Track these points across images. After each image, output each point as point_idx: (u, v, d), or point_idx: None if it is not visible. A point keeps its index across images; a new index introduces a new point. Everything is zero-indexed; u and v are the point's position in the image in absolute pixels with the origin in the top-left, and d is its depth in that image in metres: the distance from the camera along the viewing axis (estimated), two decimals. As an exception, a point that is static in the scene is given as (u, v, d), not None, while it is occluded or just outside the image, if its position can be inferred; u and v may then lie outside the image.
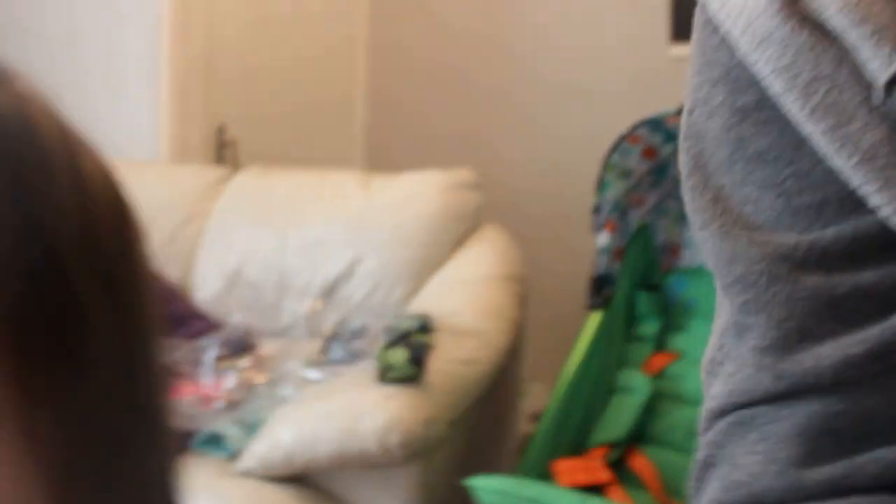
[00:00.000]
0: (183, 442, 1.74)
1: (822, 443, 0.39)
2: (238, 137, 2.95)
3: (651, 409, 1.90)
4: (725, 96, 0.47)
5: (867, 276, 0.40)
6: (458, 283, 2.10)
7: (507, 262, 2.17)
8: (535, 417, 2.05)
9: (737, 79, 0.46)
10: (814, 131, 0.40)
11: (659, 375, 1.99)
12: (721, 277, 0.47)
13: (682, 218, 2.22)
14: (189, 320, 2.25)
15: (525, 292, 2.18)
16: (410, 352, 1.73)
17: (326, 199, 2.31)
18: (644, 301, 2.12)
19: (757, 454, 0.42)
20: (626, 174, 2.07)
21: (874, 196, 0.38)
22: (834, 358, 0.39)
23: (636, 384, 1.93)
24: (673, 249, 2.23)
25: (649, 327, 2.09)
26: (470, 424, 1.87)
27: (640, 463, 1.79)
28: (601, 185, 2.05)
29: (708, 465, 0.45)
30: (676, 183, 2.03)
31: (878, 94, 0.38)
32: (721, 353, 0.47)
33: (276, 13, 3.13)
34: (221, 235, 2.39)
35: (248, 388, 1.88)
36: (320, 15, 3.34)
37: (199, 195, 2.46)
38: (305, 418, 1.68)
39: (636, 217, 2.16)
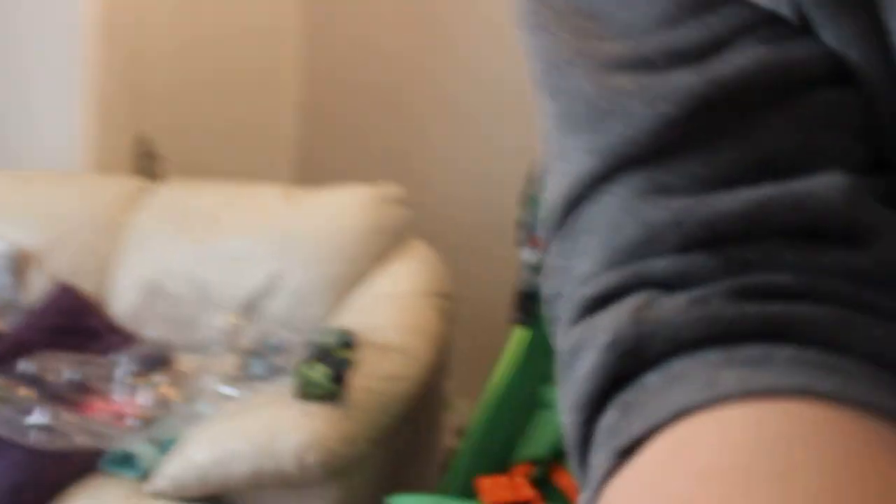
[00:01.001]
0: (93, 461, 1.67)
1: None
2: (163, 149, 2.88)
3: (576, 425, 1.88)
4: None
5: (683, 33, 0.34)
6: (382, 299, 2.07)
7: (432, 277, 2.14)
8: (461, 432, 2.02)
9: None
10: None
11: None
12: (533, 78, 0.39)
13: (608, 234, 2.22)
14: (103, 334, 2.17)
15: (451, 308, 2.15)
16: (331, 368, 1.69)
17: (249, 212, 2.26)
18: (570, 317, 2.11)
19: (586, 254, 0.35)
20: (552, 189, 2.06)
21: None
22: (648, 119, 0.33)
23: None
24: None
25: (574, 343, 2.08)
26: (392, 441, 1.84)
27: (565, 480, 1.77)
28: (529, 201, 2.04)
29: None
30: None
31: None
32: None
33: (206, 22, 3.07)
34: (140, 247, 2.32)
35: (162, 404, 1.82)
36: (252, 26, 3.29)
37: (118, 206, 2.39)
38: (221, 436, 1.63)
39: (563, 233, 2.15)
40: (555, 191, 0.37)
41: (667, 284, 0.31)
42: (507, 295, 2.18)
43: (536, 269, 2.04)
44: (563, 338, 0.35)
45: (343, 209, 2.20)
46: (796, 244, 0.30)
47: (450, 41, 3.20)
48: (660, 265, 0.32)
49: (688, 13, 0.34)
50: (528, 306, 2.00)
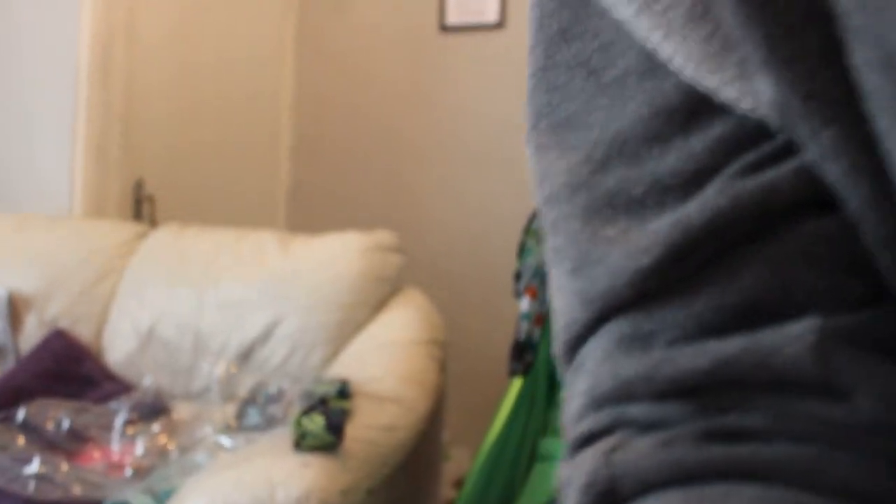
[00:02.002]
0: (88, 512, 1.67)
1: (627, 352, 0.34)
2: (157, 193, 2.90)
3: (572, 477, 1.89)
4: None
5: (669, 162, 0.33)
6: (378, 348, 2.07)
7: (428, 326, 2.15)
8: (459, 483, 2.02)
9: None
10: None
11: (579, 443, 1.98)
12: (537, 204, 0.40)
13: (602, 284, 2.24)
14: (100, 381, 2.17)
15: (446, 357, 2.16)
16: (328, 418, 1.70)
17: (245, 259, 2.27)
18: (565, 367, 2.12)
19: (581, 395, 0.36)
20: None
21: (660, 49, 0.32)
22: (626, 271, 0.33)
23: (559, 452, 1.92)
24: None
25: (570, 394, 2.09)
26: (389, 492, 1.83)
27: (561, 532, 1.78)
28: (522, 251, 2.05)
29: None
30: (597, 250, 2.06)
31: None
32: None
33: (200, 69, 3.10)
34: (136, 293, 2.32)
35: (158, 454, 1.82)
36: (245, 72, 3.32)
37: (113, 252, 2.40)
38: (218, 487, 1.62)
39: (557, 282, 2.16)
40: (557, 330, 0.39)
41: (644, 426, 0.32)
42: (503, 344, 2.19)
43: (532, 319, 2.06)
44: (560, 472, 0.36)
45: (338, 256, 2.21)
46: (769, 393, 0.30)
47: (447, 87, 3.24)
48: (638, 410, 0.33)
49: (674, 129, 0.34)
50: (525, 357, 2.01)
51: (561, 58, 0.39)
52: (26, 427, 1.79)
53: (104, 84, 2.69)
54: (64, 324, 2.28)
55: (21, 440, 1.74)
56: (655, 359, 0.32)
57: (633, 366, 0.33)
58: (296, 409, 1.77)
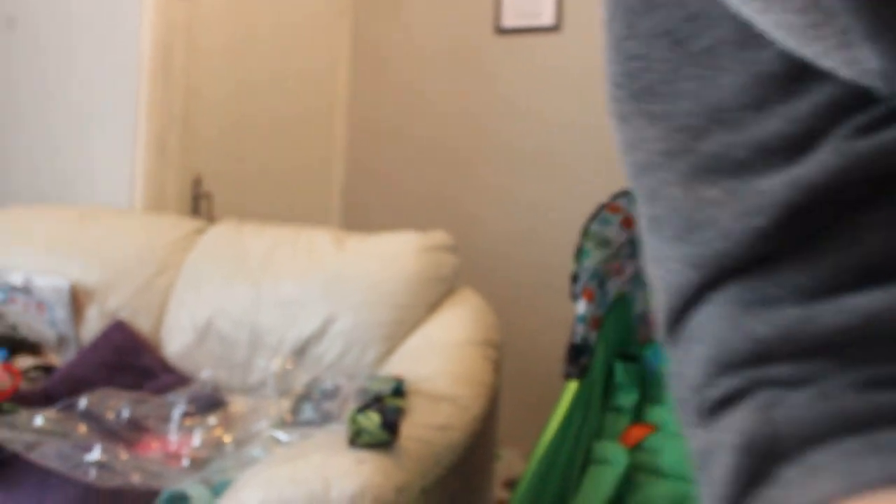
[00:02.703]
0: (147, 500, 1.69)
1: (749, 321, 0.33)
2: (214, 191, 2.93)
3: (628, 481, 1.87)
4: None
5: (773, 125, 0.33)
6: (432, 347, 2.07)
7: (482, 326, 2.15)
8: (509, 484, 2.02)
9: None
10: None
11: (636, 448, 1.96)
12: (628, 173, 0.40)
13: (659, 288, 2.22)
14: (158, 373, 2.20)
15: (500, 358, 2.16)
16: (383, 416, 1.70)
17: (301, 256, 2.28)
18: (622, 371, 2.11)
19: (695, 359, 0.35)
20: (605, 243, 2.07)
21: (760, 19, 0.32)
22: (740, 232, 0.33)
23: (613, 456, 1.91)
24: (651, 320, 2.23)
25: (627, 398, 2.08)
26: (443, 491, 1.83)
27: (614, 537, 1.77)
28: (580, 253, 2.04)
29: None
30: (657, 254, 2.04)
31: None
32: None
33: (258, 70, 3.13)
34: (194, 288, 2.35)
35: (215, 446, 1.83)
36: (301, 77, 3.35)
37: (172, 246, 2.43)
38: (274, 481, 1.63)
39: (614, 286, 2.15)
40: (660, 300, 0.38)
41: (788, 384, 0.32)
42: (557, 346, 2.18)
43: (588, 321, 2.04)
44: (692, 441, 0.36)
45: (394, 255, 2.22)
46: None
47: (501, 90, 3.23)
48: (783, 370, 0.32)
49: (776, 95, 0.34)
50: (580, 360, 2.00)
51: (642, 27, 0.38)
52: (88, 416, 1.82)
53: (164, 83, 2.73)
54: (124, 315, 2.32)
55: (82, 428, 1.76)
56: (791, 318, 0.32)
57: (766, 327, 0.32)
58: (351, 406, 1.78)
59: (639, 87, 0.38)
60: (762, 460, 0.31)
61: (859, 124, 0.32)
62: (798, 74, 0.33)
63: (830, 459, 0.30)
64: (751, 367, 0.33)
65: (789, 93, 0.33)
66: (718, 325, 0.34)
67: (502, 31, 3.25)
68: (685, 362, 0.36)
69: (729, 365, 0.34)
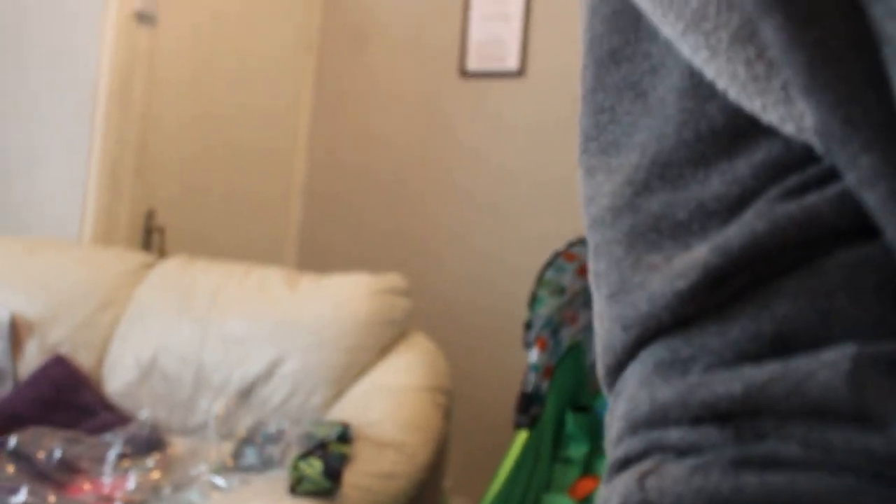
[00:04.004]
0: (74, 546, 1.62)
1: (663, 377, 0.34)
2: (168, 224, 2.88)
3: (574, 536, 1.83)
4: None
5: (713, 185, 0.33)
6: (381, 392, 2.03)
7: (433, 372, 2.11)
8: (454, 537, 1.97)
9: None
10: None
11: (585, 500, 1.92)
12: (584, 225, 0.40)
13: (613, 338, 2.19)
14: (98, 411, 2.13)
15: (450, 404, 2.12)
16: (326, 463, 1.65)
17: (251, 295, 2.23)
18: (573, 422, 2.07)
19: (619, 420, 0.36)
20: (559, 291, 2.04)
21: (706, 68, 0.32)
22: (663, 295, 0.33)
23: (560, 509, 1.87)
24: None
25: (577, 449, 2.04)
26: (384, 543, 1.78)
27: None
28: (534, 301, 2.01)
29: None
30: (611, 304, 2.02)
31: None
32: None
33: (217, 105, 3.10)
34: (139, 323, 2.29)
35: (151, 490, 1.77)
36: (261, 110, 3.32)
37: (119, 280, 2.37)
38: (209, 529, 1.58)
39: (568, 335, 2.12)
40: (599, 354, 0.39)
41: (679, 451, 0.32)
42: (508, 394, 2.15)
43: (541, 370, 2.01)
44: (598, 496, 0.37)
45: (346, 298, 2.18)
46: (805, 421, 0.29)
47: (463, 133, 3.23)
48: (674, 435, 0.32)
49: (718, 152, 0.33)
50: (531, 409, 1.96)
51: (610, 80, 0.39)
52: (17, 455, 1.75)
53: (121, 112, 2.68)
54: (65, 350, 2.25)
55: (10, 468, 1.69)
56: (691, 384, 0.32)
57: (669, 390, 0.33)
58: (294, 452, 1.73)
59: (607, 141, 0.39)
60: None
61: (790, 186, 0.31)
62: (741, 131, 0.32)
63: None
64: (651, 428, 0.33)
65: (730, 150, 0.33)
66: (635, 384, 0.35)
67: (466, 75, 3.25)
68: (612, 417, 0.37)
69: (633, 425, 0.34)
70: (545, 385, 2.02)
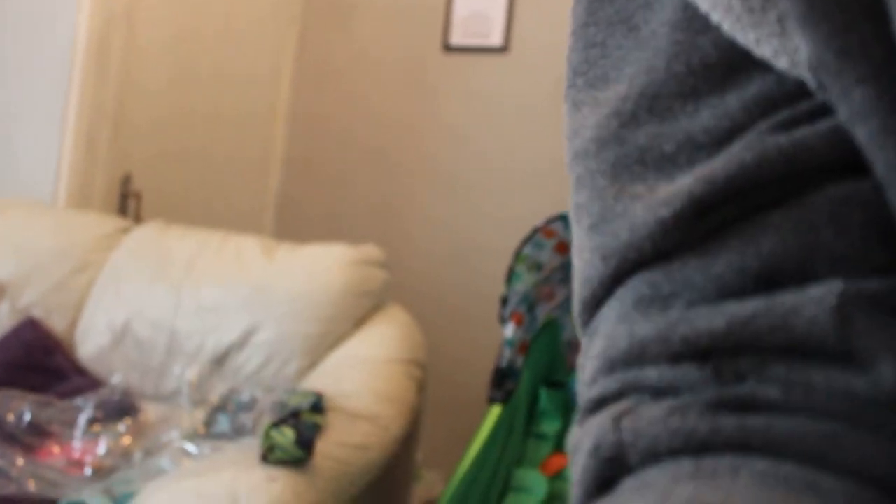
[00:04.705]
0: (42, 510, 1.61)
1: (644, 311, 0.33)
2: (144, 189, 2.85)
3: (545, 511, 1.84)
4: None
5: (702, 118, 0.32)
6: (356, 363, 2.03)
7: (408, 345, 2.10)
8: (426, 508, 1.97)
9: None
10: None
11: (556, 476, 1.93)
12: (566, 161, 0.39)
13: (589, 316, 2.20)
14: (69, 375, 2.12)
15: (425, 377, 2.12)
16: (298, 432, 1.64)
17: (227, 263, 2.22)
18: (546, 398, 2.08)
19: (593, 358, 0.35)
20: (537, 267, 2.04)
21: (701, 1, 0.31)
22: (645, 224, 0.33)
23: (533, 484, 1.87)
24: (579, 347, 2.20)
25: (550, 426, 2.05)
26: (355, 513, 1.78)
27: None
28: (511, 276, 2.01)
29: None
30: (588, 281, 2.02)
31: None
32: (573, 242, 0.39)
33: (197, 71, 3.06)
34: (113, 288, 2.27)
35: (121, 455, 1.76)
36: (242, 80, 3.29)
37: (94, 244, 2.35)
38: (178, 495, 1.57)
39: (544, 311, 2.12)
40: (577, 291, 0.38)
41: (656, 391, 0.31)
42: (483, 369, 2.15)
43: (516, 346, 2.01)
44: (570, 436, 0.35)
45: (322, 268, 2.16)
46: (787, 360, 0.29)
47: (445, 108, 3.21)
48: (652, 374, 0.32)
49: (708, 85, 0.33)
50: (505, 384, 1.96)
51: (602, 14, 0.38)
52: (-14, 417, 1.74)
53: (98, 75, 2.65)
54: (37, 313, 2.23)
55: (-21, 430, 1.68)
56: (672, 319, 0.31)
57: (648, 326, 0.32)
58: (266, 420, 1.72)
59: (595, 75, 0.38)
60: (609, 467, 0.31)
61: (781, 119, 0.31)
62: (733, 66, 0.32)
63: (658, 479, 0.29)
64: (627, 367, 0.32)
65: (722, 84, 0.32)
66: (609, 321, 0.34)
67: (450, 49, 3.23)
68: (586, 356, 0.36)
69: (611, 363, 0.33)
70: (520, 360, 2.02)
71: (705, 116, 0.32)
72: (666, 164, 0.33)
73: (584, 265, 0.36)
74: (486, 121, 3.14)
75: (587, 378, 0.35)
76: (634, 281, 0.33)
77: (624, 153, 0.35)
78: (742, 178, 0.31)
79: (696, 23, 0.33)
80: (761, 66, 0.31)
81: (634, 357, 0.32)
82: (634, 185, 0.34)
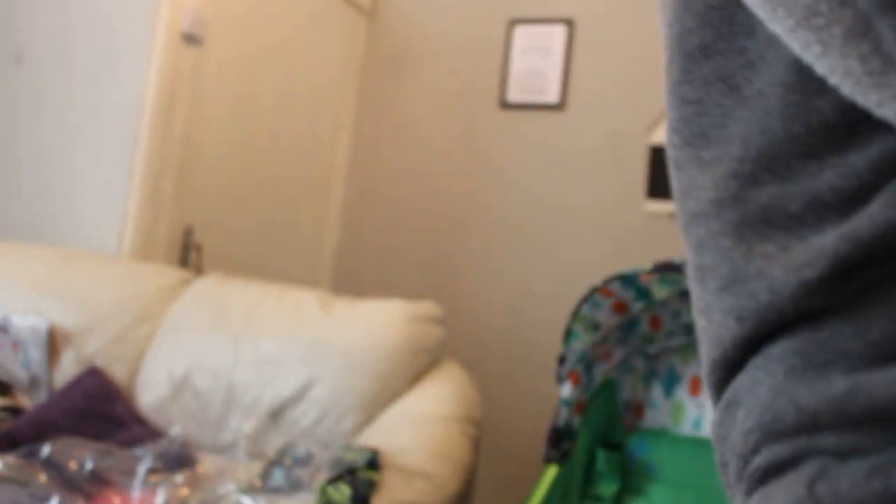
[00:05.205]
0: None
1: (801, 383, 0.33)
2: (205, 242, 2.90)
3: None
4: None
5: (827, 178, 0.33)
6: (412, 420, 2.03)
7: (464, 402, 2.10)
8: (478, 570, 1.95)
9: None
10: None
11: (611, 540, 1.90)
12: (680, 222, 0.40)
13: (648, 377, 2.18)
14: (129, 424, 2.15)
15: (480, 435, 2.11)
16: (354, 489, 1.65)
17: (286, 316, 2.24)
18: (603, 459, 2.05)
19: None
20: (594, 326, 2.03)
21: (818, 64, 0.31)
22: (787, 285, 0.33)
23: (588, 547, 1.85)
24: (637, 408, 2.18)
25: (607, 487, 2.02)
26: (409, 572, 1.77)
27: None
28: (568, 335, 2.00)
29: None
30: (644, 340, 1.99)
31: None
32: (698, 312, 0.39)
33: (259, 125, 3.13)
34: (174, 339, 2.30)
35: (178, 506, 1.77)
36: (303, 132, 3.35)
37: (156, 295, 2.39)
38: (236, 548, 1.57)
39: (602, 371, 2.11)
40: (706, 352, 0.38)
41: (839, 455, 0.31)
42: (539, 427, 2.13)
43: (573, 405, 2.00)
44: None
45: (379, 323, 2.18)
46: None
47: (501, 163, 3.23)
48: (829, 439, 0.31)
49: (830, 146, 0.33)
50: (562, 444, 1.95)
51: (698, 73, 0.39)
52: (49, 464, 1.76)
53: (164, 129, 2.72)
54: (100, 362, 2.27)
55: (42, 477, 1.70)
56: (840, 389, 0.31)
57: (814, 398, 0.32)
58: (323, 476, 1.73)
59: (692, 133, 0.39)
60: None
61: None
62: (854, 126, 0.32)
63: None
64: (798, 436, 0.32)
65: (844, 144, 0.33)
66: (763, 391, 0.34)
67: (507, 106, 3.26)
68: (727, 425, 0.36)
69: (775, 433, 0.33)
70: (577, 420, 2.01)
71: (830, 176, 0.33)
72: (794, 223, 0.34)
73: (716, 326, 0.36)
74: (541, 174, 3.15)
75: (738, 449, 0.35)
76: (778, 349, 0.33)
77: (747, 213, 0.35)
78: (885, 237, 0.31)
79: (812, 84, 0.33)
80: (883, 127, 0.32)
81: (805, 427, 0.32)
82: (763, 245, 0.35)
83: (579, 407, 2.03)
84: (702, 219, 0.38)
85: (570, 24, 3.19)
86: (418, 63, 3.43)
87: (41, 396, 2.23)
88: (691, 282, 0.39)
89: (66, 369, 2.26)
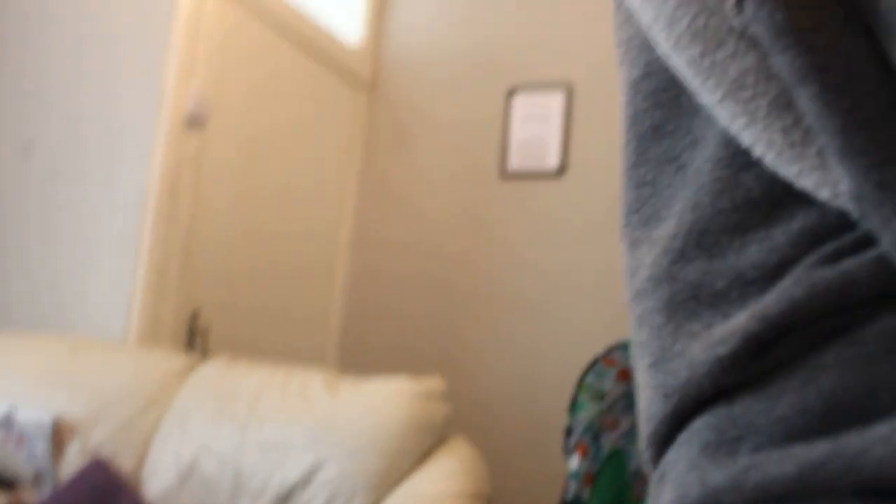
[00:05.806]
0: None
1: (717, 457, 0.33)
2: (212, 324, 2.91)
3: None
4: (625, 73, 0.42)
5: (751, 254, 0.33)
6: (420, 499, 2.00)
7: (472, 478, 2.08)
8: None
9: (632, 48, 0.42)
10: (679, 63, 0.34)
11: None
12: (626, 298, 0.41)
13: (656, 445, 2.15)
14: (135, 515, 2.13)
15: (490, 512, 2.08)
16: (362, 575, 1.62)
17: (291, 399, 2.23)
18: (614, 532, 2.02)
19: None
20: (600, 396, 2.02)
21: (744, 135, 0.32)
22: (703, 362, 0.33)
23: None
24: (646, 478, 2.15)
25: (618, 562, 1.99)
26: None
27: None
28: (574, 406, 1.99)
29: None
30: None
31: (731, 8, 0.31)
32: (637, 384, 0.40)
33: (263, 205, 3.16)
34: (180, 426, 2.29)
35: None
36: (307, 219, 3.38)
37: (162, 382, 2.39)
38: None
39: (609, 441, 2.09)
40: (641, 426, 0.39)
41: None
42: (550, 500, 2.10)
43: (582, 478, 1.97)
44: None
45: (385, 402, 2.17)
46: (859, 500, 0.29)
47: (503, 234, 3.24)
48: None
49: (754, 221, 0.34)
50: (571, 519, 1.92)
51: (652, 154, 0.40)
52: (54, 563, 1.75)
53: (169, 215, 2.74)
54: (106, 451, 2.26)
55: (47, 578, 1.69)
56: (742, 466, 0.31)
57: (719, 474, 0.32)
58: (330, 562, 1.70)
59: (647, 214, 0.40)
60: None
61: (827, 252, 0.31)
62: (777, 200, 0.33)
63: None
64: None
65: (768, 219, 0.33)
66: (681, 466, 0.34)
67: (507, 176, 3.28)
68: (657, 500, 0.36)
69: None
70: (587, 492, 1.98)
71: (753, 252, 0.33)
72: (719, 301, 0.34)
73: (647, 402, 0.37)
74: (544, 243, 3.16)
75: None
76: (698, 425, 0.34)
77: (677, 291, 0.36)
78: (793, 314, 0.31)
79: (739, 159, 0.34)
80: (804, 200, 0.32)
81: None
82: (690, 322, 0.35)
83: (588, 479, 2.00)
84: (641, 296, 0.38)
85: (569, 89, 3.22)
86: (419, 137, 3.46)
87: (46, 491, 2.21)
88: (633, 359, 0.40)
89: (72, 461, 2.25)
